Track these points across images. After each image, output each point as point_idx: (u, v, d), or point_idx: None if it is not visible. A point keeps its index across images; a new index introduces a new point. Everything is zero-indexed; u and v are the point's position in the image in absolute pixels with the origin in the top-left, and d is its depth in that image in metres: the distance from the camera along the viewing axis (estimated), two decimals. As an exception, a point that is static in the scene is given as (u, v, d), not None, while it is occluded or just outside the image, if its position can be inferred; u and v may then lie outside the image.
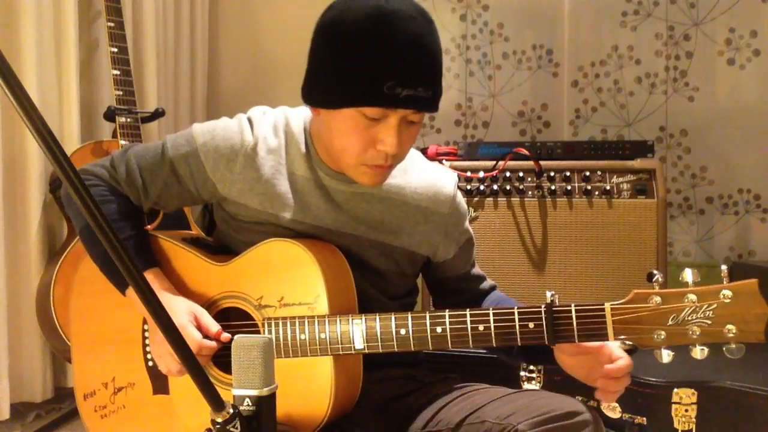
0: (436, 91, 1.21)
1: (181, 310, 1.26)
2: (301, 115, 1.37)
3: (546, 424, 1.17)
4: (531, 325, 1.14)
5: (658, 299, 1.10)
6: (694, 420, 1.81)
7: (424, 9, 1.21)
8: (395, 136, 1.19)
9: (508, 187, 2.36)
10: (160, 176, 1.34)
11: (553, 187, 2.36)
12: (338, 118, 1.21)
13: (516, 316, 1.15)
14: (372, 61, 1.16)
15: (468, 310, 1.18)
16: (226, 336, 1.26)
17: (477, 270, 1.50)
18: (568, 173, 2.37)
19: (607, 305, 1.12)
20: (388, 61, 1.15)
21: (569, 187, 2.35)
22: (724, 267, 1.09)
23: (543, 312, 1.14)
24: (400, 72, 1.15)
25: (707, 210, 3.18)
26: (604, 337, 1.13)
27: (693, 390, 1.81)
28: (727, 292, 1.07)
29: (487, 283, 1.50)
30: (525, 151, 2.39)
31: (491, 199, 2.38)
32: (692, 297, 1.09)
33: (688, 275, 1.10)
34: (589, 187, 2.34)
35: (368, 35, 1.16)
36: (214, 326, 1.26)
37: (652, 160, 2.40)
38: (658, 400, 1.83)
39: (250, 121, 1.34)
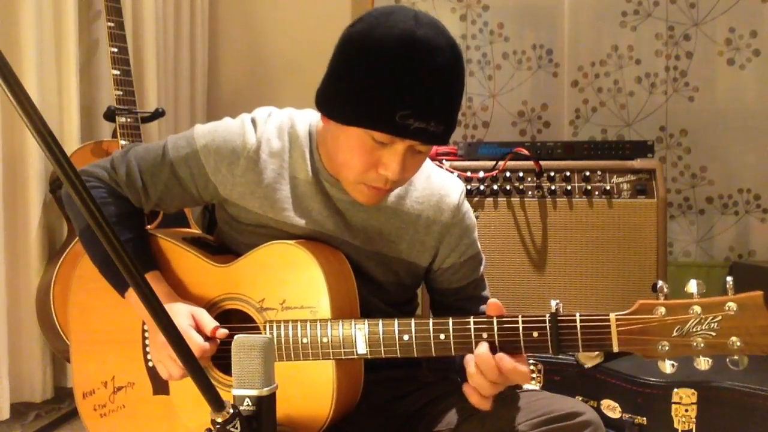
0: (448, 127, 1.18)
1: (181, 313, 1.25)
2: (306, 118, 1.35)
3: (547, 425, 1.18)
4: (535, 334, 1.13)
5: (662, 310, 1.09)
6: (694, 420, 1.81)
7: (455, 42, 1.18)
8: (399, 163, 1.17)
9: (508, 187, 2.36)
10: (161, 178, 1.33)
11: (553, 187, 2.36)
12: (346, 134, 1.19)
13: (520, 325, 1.14)
14: (390, 86, 1.13)
15: (471, 317, 1.17)
16: (222, 332, 1.25)
17: (485, 293, 1.45)
18: (568, 173, 2.37)
19: (612, 316, 1.11)
20: (406, 90, 1.13)
21: (569, 187, 2.35)
22: (729, 279, 1.07)
23: (548, 321, 1.12)
24: (415, 103, 1.13)
25: (707, 210, 3.18)
26: (608, 347, 1.11)
27: (693, 390, 1.81)
28: (732, 305, 1.06)
29: None
30: (525, 151, 2.39)
31: (491, 199, 2.38)
32: (697, 309, 1.07)
33: (692, 286, 1.08)
34: (589, 187, 2.34)
35: (392, 59, 1.12)
36: (210, 324, 1.26)
37: (652, 160, 2.40)
38: (658, 400, 1.83)
39: (253, 122, 1.32)
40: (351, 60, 1.17)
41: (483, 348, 1.14)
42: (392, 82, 1.13)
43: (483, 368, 1.13)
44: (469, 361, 1.16)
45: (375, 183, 1.21)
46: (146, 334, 1.37)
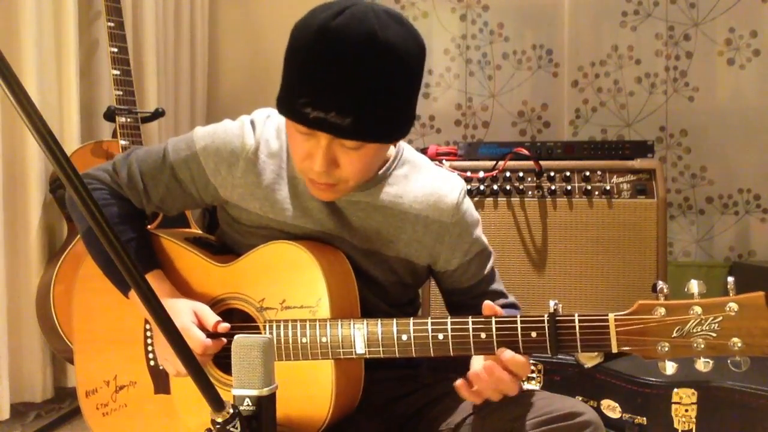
0: (357, 120, 1.11)
1: (183, 310, 1.26)
2: None
3: (547, 425, 1.17)
4: (534, 334, 1.13)
5: (662, 311, 1.08)
6: (694, 420, 1.81)
7: (375, 32, 1.10)
8: (321, 157, 1.15)
9: (508, 187, 2.36)
10: (162, 181, 1.34)
11: (553, 187, 2.36)
12: (287, 124, 1.22)
13: (519, 325, 1.14)
14: (295, 75, 1.14)
15: (470, 317, 1.17)
16: (224, 326, 1.25)
17: (496, 286, 1.43)
18: (568, 173, 2.37)
19: (611, 316, 1.10)
20: (306, 78, 1.12)
21: (569, 187, 2.35)
22: (730, 279, 1.06)
23: (546, 321, 1.12)
24: (311, 91, 1.12)
25: (707, 210, 3.18)
26: (607, 347, 1.11)
27: (693, 390, 1.81)
28: (733, 305, 1.05)
29: (506, 302, 1.42)
30: (525, 151, 2.39)
31: (491, 199, 2.38)
32: (697, 309, 1.07)
33: (694, 287, 1.08)
34: (589, 187, 2.34)
35: (301, 49, 1.13)
36: (212, 319, 1.26)
37: (652, 160, 2.40)
38: (658, 400, 1.83)
39: (252, 123, 1.33)
40: (285, 52, 1.19)
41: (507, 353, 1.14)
42: (297, 71, 1.14)
43: (488, 374, 1.14)
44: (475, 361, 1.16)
45: (310, 174, 1.21)
46: (148, 334, 1.37)
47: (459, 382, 1.17)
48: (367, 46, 1.10)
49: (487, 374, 1.13)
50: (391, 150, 1.34)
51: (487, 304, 1.17)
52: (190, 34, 3.09)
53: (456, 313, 1.39)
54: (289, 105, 1.15)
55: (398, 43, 1.12)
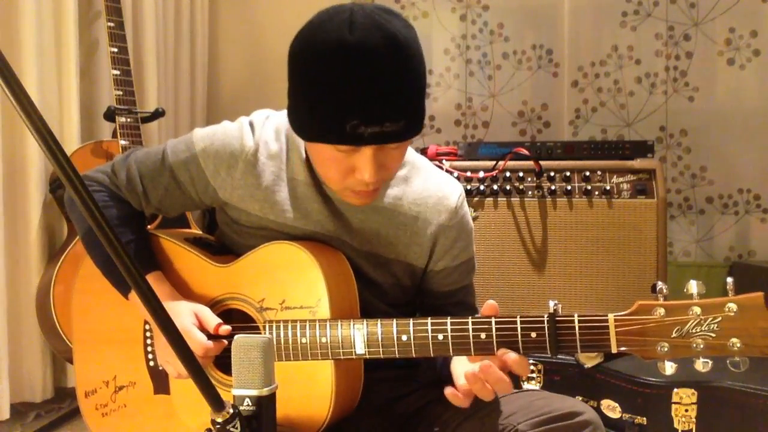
0: (409, 120, 1.15)
1: (183, 312, 1.26)
2: None
3: (546, 424, 1.18)
4: (533, 334, 1.13)
5: (662, 311, 1.08)
6: (694, 420, 1.81)
7: (395, 33, 1.12)
8: (371, 167, 1.16)
9: (508, 187, 2.36)
10: (161, 183, 1.34)
11: (553, 187, 2.36)
12: (315, 149, 1.21)
13: (519, 326, 1.14)
14: (334, 99, 1.12)
15: (470, 318, 1.17)
16: (225, 329, 1.25)
17: (471, 300, 1.44)
18: (568, 173, 2.37)
19: (611, 316, 1.10)
20: (350, 100, 1.11)
21: (569, 187, 2.35)
22: (729, 280, 1.07)
23: (546, 322, 1.12)
24: (360, 111, 1.11)
25: (707, 210, 3.18)
26: (606, 348, 1.11)
27: (693, 390, 1.81)
28: (732, 306, 1.05)
29: None
30: (525, 151, 2.39)
31: (491, 199, 2.38)
32: (697, 310, 1.07)
33: (693, 287, 1.08)
34: (589, 187, 2.34)
35: (330, 72, 1.11)
36: (213, 321, 1.26)
37: (652, 160, 2.40)
38: (658, 400, 1.84)
39: (251, 125, 1.32)
40: (296, 76, 1.18)
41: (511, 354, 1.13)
42: (334, 95, 1.12)
43: (487, 376, 1.13)
44: (459, 367, 1.16)
45: (357, 187, 1.21)
46: (148, 334, 1.37)
47: (449, 390, 1.16)
48: (393, 50, 1.12)
49: (483, 375, 1.13)
50: None
51: (488, 304, 1.17)
52: (190, 34, 3.09)
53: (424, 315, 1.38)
54: (336, 131, 1.13)
55: (408, 35, 1.15)
